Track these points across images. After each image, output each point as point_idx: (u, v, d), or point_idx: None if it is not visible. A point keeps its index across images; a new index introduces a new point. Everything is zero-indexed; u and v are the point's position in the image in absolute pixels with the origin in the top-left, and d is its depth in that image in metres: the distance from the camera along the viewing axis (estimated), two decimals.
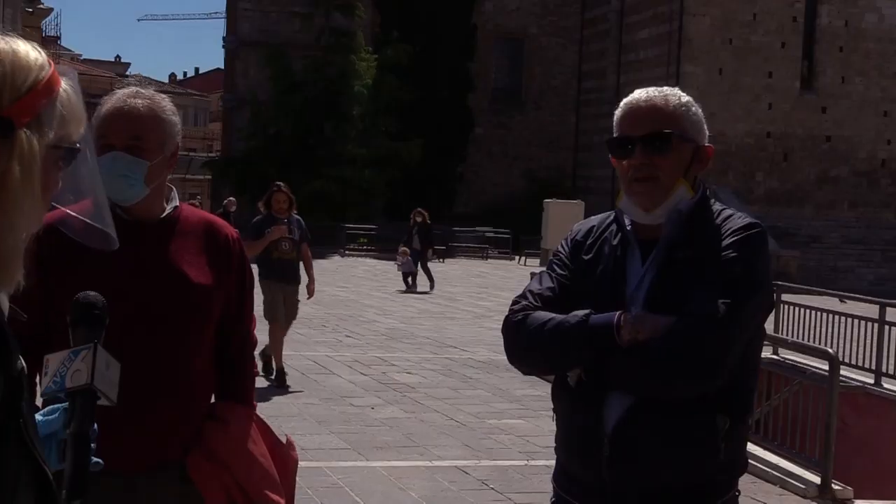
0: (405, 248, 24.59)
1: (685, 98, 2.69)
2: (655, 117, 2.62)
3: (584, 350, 2.52)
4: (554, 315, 2.59)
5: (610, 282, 2.62)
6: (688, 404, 2.47)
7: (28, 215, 1.55)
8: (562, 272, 2.73)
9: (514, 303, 2.72)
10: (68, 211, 1.71)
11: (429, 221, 25.59)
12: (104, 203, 1.79)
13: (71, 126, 1.62)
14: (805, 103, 41.51)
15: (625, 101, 2.71)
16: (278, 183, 11.23)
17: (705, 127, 2.70)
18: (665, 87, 2.72)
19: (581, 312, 2.54)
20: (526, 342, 2.64)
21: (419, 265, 24.47)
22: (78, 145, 1.64)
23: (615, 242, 2.68)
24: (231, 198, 30.01)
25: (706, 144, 2.69)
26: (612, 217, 2.75)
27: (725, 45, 40.63)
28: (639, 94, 2.70)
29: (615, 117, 2.71)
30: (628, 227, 2.68)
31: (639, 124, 2.62)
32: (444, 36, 44.05)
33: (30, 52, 1.57)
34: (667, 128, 2.60)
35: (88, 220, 1.74)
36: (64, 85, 1.61)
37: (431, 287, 24.01)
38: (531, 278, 2.84)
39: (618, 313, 2.50)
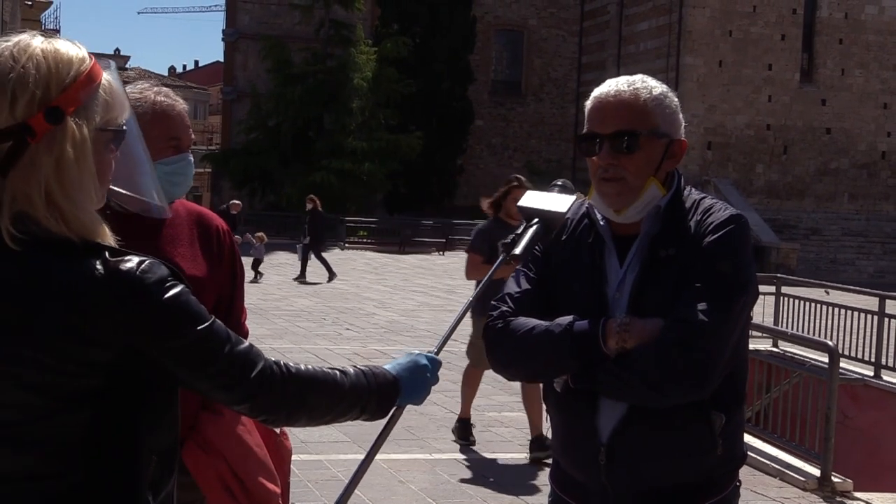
0: (261, 234, 23.42)
1: (658, 90, 2.52)
2: (623, 114, 2.47)
3: (570, 360, 2.44)
4: (536, 322, 2.50)
5: (589, 282, 2.53)
6: (682, 406, 2.41)
7: (88, 192, 1.79)
8: (538, 271, 2.63)
9: (493, 308, 2.62)
10: (119, 190, 1.94)
11: (320, 209, 24.42)
12: (154, 178, 2.03)
13: (115, 111, 1.86)
14: (805, 95, 41.48)
15: (594, 93, 2.56)
16: (518, 176, 8.45)
17: (680, 117, 2.56)
18: (637, 77, 2.55)
19: (564, 320, 2.45)
20: (509, 352, 2.55)
21: (314, 254, 23.40)
22: (124, 127, 1.88)
23: (590, 240, 2.57)
24: (236, 200, 28.38)
25: (679, 138, 2.55)
26: (584, 209, 2.62)
27: (725, 37, 40.58)
28: (608, 86, 2.54)
29: (585, 109, 2.57)
30: (601, 223, 2.57)
31: (606, 121, 2.49)
32: (443, 28, 44.00)
33: (70, 48, 1.83)
34: (635, 126, 2.46)
35: (144, 198, 1.98)
36: (106, 75, 1.86)
37: (330, 278, 22.91)
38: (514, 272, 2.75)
39: (602, 320, 2.42)
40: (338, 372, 2.04)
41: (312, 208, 24.09)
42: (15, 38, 1.82)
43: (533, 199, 2.47)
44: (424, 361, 2.19)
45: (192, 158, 2.96)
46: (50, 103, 1.76)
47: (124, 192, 1.95)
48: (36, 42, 1.82)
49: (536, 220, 2.42)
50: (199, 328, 1.82)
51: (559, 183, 2.53)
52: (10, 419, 1.76)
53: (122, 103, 1.89)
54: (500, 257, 2.42)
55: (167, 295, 1.79)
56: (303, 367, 2.00)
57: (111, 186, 1.90)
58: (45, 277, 1.74)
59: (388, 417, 2.18)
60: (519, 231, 2.43)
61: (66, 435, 1.77)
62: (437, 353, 2.24)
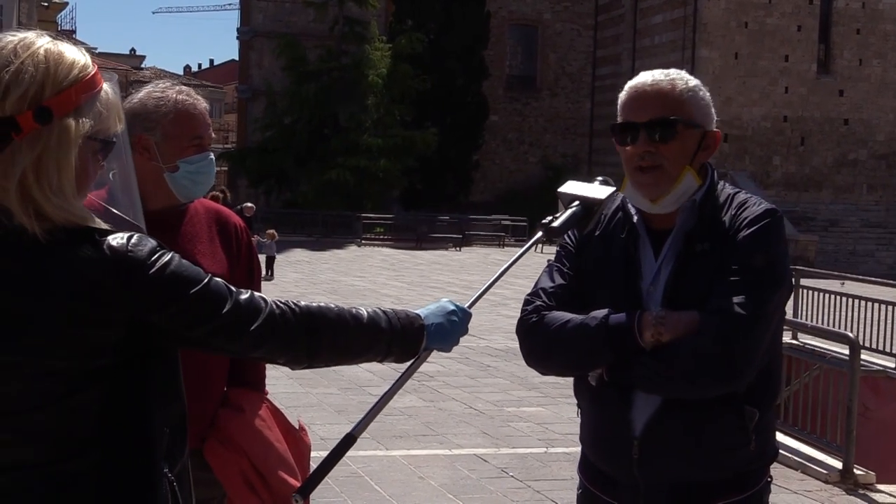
0: (271, 231, 23.17)
1: (693, 82, 2.57)
2: (661, 103, 2.50)
3: (606, 353, 2.44)
4: (571, 316, 2.51)
5: (623, 276, 2.53)
6: (716, 401, 2.41)
7: (66, 196, 1.79)
8: (571, 265, 2.64)
9: (527, 303, 2.63)
10: (98, 201, 1.94)
11: (228, 201, 23.83)
12: (136, 195, 2.01)
13: (109, 122, 1.88)
14: (822, 86, 41.27)
15: (630, 83, 2.59)
16: None
17: (713, 111, 2.60)
18: (672, 70, 2.60)
19: (600, 313, 2.45)
20: (544, 346, 2.56)
21: None
22: (114, 139, 1.89)
23: (623, 234, 2.58)
24: (249, 203, 28.13)
25: (713, 130, 2.58)
26: (617, 203, 2.64)
27: (741, 29, 40.41)
28: (644, 77, 2.58)
29: (620, 100, 2.60)
30: (635, 217, 2.58)
31: (643, 109, 2.51)
32: (457, 23, 43.94)
33: (74, 53, 1.85)
34: (672, 114, 2.49)
35: (118, 213, 1.94)
36: (106, 86, 1.88)
37: None
38: (547, 266, 2.76)
39: (637, 313, 2.43)
40: (353, 308, 2.10)
41: (223, 199, 23.89)
42: (22, 34, 1.84)
43: (574, 186, 2.52)
44: (452, 307, 2.24)
45: (213, 157, 2.97)
46: (41, 103, 1.77)
47: (109, 207, 1.95)
48: (41, 41, 1.83)
49: (577, 202, 2.46)
50: (196, 289, 1.86)
51: (601, 178, 2.55)
52: (21, 408, 1.78)
53: (117, 116, 1.91)
54: (538, 233, 2.45)
55: (160, 264, 1.83)
56: (314, 303, 2.04)
57: (98, 200, 1.93)
58: (39, 267, 1.76)
59: (413, 359, 2.21)
60: (558, 213, 2.46)
61: (79, 416, 1.80)
62: (469, 307, 2.28)
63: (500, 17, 48.54)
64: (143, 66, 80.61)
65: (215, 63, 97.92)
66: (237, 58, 52.62)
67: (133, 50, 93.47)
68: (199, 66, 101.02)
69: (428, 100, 42.08)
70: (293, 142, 41.10)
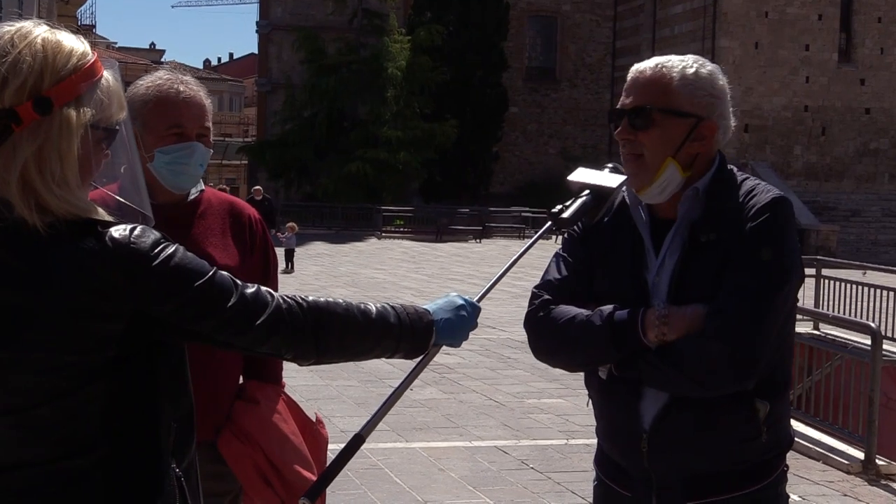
0: (292, 224, 22.98)
1: (693, 69, 2.46)
2: (644, 90, 2.45)
3: (612, 352, 2.41)
4: (577, 311, 2.47)
5: (629, 267, 2.49)
6: (726, 395, 2.36)
7: (70, 186, 1.76)
8: (578, 254, 2.60)
9: (535, 296, 2.59)
10: (106, 191, 1.91)
11: None
12: (142, 185, 1.97)
13: (111, 110, 1.84)
14: (843, 76, 41.01)
15: (632, 68, 2.54)
16: None
17: (719, 100, 2.48)
18: (675, 56, 2.51)
19: (605, 310, 2.41)
20: (551, 342, 2.54)
21: None
22: (117, 127, 1.86)
23: (629, 224, 2.53)
24: (257, 187, 27.85)
25: (711, 120, 2.45)
26: (623, 194, 2.55)
27: (761, 19, 40.19)
28: (644, 62, 2.52)
29: None
30: (640, 206, 2.52)
31: (630, 96, 2.48)
32: (476, 15, 43.86)
33: (72, 42, 1.81)
34: (652, 102, 2.42)
35: (126, 202, 1.92)
36: (106, 74, 1.85)
37: None
38: (554, 256, 2.71)
39: (640, 311, 2.38)
40: (362, 303, 2.06)
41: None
42: (19, 24, 1.81)
43: (584, 174, 2.48)
44: (461, 301, 2.19)
45: (199, 148, 2.85)
46: (41, 93, 1.74)
47: (117, 196, 1.93)
48: (39, 31, 1.80)
49: (587, 191, 2.42)
50: (200, 282, 1.83)
51: (610, 165, 2.50)
52: (26, 404, 1.76)
53: (119, 103, 1.87)
54: (547, 223, 2.42)
55: (163, 256, 1.80)
56: (322, 298, 2.01)
57: (105, 190, 1.90)
58: (40, 261, 1.73)
59: (423, 355, 2.17)
60: (568, 203, 2.41)
61: (84, 412, 1.78)
62: (478, 301, 2.24)
63: (519, 9, 48.43)
64: (162, 60, 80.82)
65: (235, 57, 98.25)
66: (256, 51, 52.75)
67: (153, 44, 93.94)
68: (219, 59, 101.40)
69: (447, 92, 42.07)
70: (312, 135, 41.21)
